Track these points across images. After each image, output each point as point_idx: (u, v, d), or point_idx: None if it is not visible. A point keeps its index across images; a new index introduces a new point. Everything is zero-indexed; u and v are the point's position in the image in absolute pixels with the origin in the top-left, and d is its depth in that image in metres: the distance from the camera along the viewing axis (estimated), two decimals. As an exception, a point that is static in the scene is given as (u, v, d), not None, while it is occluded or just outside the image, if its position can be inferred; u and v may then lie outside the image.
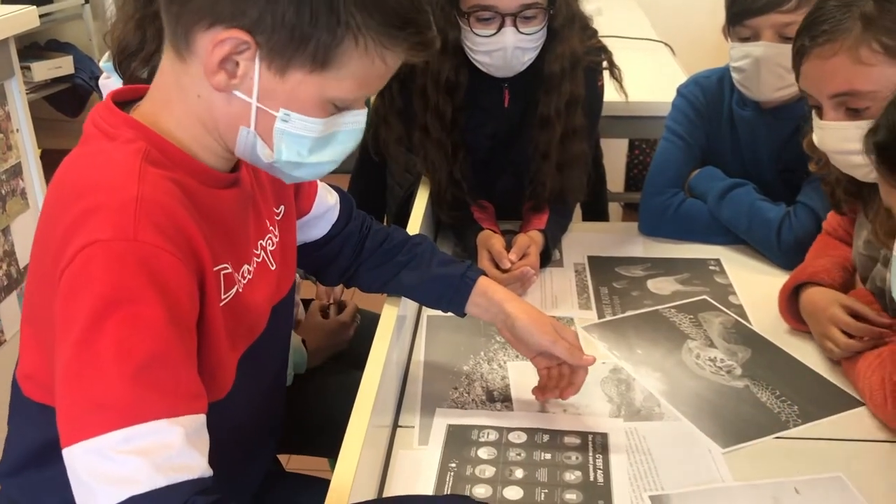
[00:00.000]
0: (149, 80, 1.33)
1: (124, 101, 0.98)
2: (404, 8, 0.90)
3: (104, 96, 1.42)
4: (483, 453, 1.17)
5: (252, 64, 0.88)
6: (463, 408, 1.27)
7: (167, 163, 0.91)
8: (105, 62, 1.43)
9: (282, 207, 1.14)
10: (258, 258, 1.06)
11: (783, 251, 1.65)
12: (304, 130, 0.92)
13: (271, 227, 1.10)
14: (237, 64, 0.88)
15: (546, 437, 1.20)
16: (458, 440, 1.19)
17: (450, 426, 1.22)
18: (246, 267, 1.02)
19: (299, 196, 1.23)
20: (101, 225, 0.82)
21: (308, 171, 0.98)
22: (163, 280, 0.83)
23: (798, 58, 1.25)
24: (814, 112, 1.28)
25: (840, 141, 1.23)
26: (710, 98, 1.80)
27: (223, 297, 0.95)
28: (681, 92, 1.85)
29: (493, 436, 1.20)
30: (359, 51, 0.89)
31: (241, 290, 1.00)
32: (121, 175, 0.87)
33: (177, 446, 0.78)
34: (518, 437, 1.20)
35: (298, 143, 0.93)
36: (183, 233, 0.87)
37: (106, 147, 0.92)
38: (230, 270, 0.97)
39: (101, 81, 1.44)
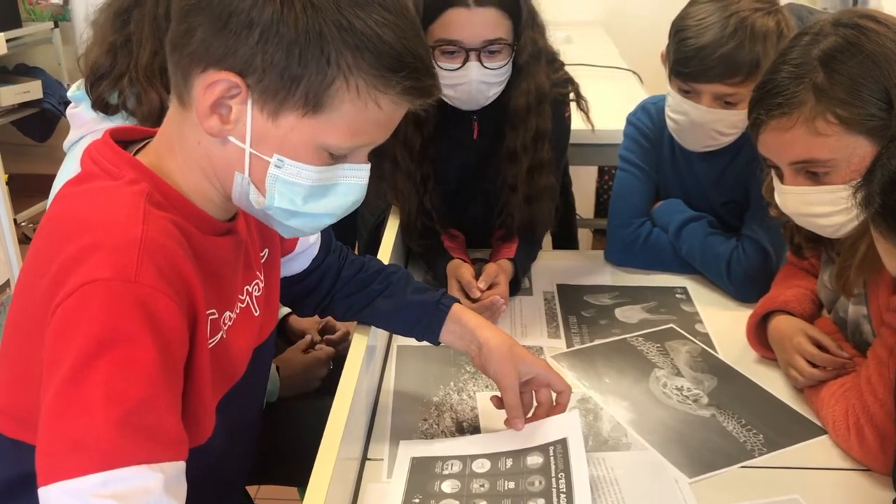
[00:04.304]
0: (117, 105, 1.34)
1: (122, 141, 0.97)
2: (397, 50, 0.87)
3: (72, 126, 1.42)
4: (447, 487, 1.16)
5: (244, 108, 0.88)
6: (431, 439, 1.26)
7: (167, 205, 0.90)
8: (73, 92, 1.41)
9: (266, 251, 1.13)
10: (242, 304, 1.05)
11: (734, 285, 1.68)
12: (297, 178, 0.91)
13: (258, 273, 1.10)
14: (230, 108, 0.88)
15: (510, 462, 1.19)
16: (422, 473, 1.19)
17: (413, 459, 1.21)
18: (228, 314, 1.01)
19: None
20: (101, 263, 0.81)
21: (304, 222, 0.96)
22: (159, 323, 0.82)
23: (755, 128, 1.25)
24: (773, 173, 1.29)
25: (803, 204, 1.25)
26: (657, 124, 1.80)
27: (209, 341, 0.94)
28: (629, 120, 1.86)
29: (456, 467, 1.20)
30: (350, 94, 0.87)
31: (224, 336, 0.99)
32: (124, 214, 0.86)
33: (155, 493, 0.77)
34: (481, 466, 1.19)
35: (291, 191, 0.92)
36: (181, 276, 0.87)
37: (108, 185, 0.91)
38: (216, 316, 0.97)
39: (69, 112, 1.42)
